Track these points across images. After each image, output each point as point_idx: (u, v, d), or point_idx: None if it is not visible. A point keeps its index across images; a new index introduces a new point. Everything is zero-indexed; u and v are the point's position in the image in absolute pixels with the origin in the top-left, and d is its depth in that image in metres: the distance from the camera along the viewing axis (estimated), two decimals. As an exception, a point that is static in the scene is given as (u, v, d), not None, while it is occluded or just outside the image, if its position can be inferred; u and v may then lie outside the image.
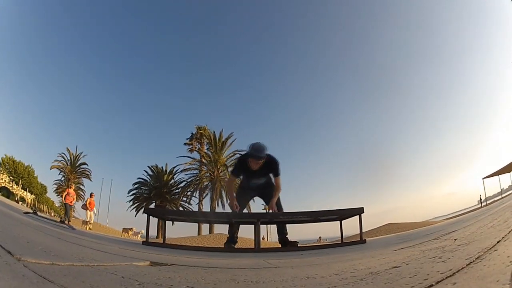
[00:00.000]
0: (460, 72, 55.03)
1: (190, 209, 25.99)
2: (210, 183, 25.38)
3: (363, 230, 3.73)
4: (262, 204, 17.41)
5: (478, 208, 15.31)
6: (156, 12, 50.26)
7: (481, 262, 0.93)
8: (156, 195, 26.79)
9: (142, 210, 26.12)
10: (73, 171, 32.05)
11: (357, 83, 54.05)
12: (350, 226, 4.12)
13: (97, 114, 51.08)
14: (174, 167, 27.92)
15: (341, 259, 1.78)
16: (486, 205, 15.43)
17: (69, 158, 32.36)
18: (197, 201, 25.95)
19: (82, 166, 32.72)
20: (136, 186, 27.69)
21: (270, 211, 3.83)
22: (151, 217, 3.83)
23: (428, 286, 0.77)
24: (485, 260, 0.95)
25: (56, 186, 32.62)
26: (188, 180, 26.16)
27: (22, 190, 25.76)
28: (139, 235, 15.76)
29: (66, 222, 7.13)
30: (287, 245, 3.79)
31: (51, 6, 46.17)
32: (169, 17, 48.59)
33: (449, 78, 51.96)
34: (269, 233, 21.89)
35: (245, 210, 4.24)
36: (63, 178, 31.97)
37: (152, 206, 26.40)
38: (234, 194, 3.86)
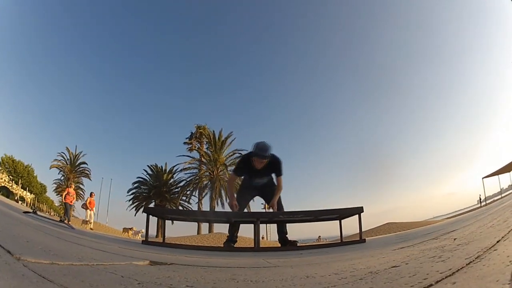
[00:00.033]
0: (460, 72, 55.08)
1: (190, 208, 26.05)
2: (209, 182, 25.39)
3: (363, 230, 3.73)
4: (262, 204, 17.42)
5: (478, 208, 15.34)
6: (156, 12, 50.21)
7: (481, 262, 0.93)
8: (156, 194, 26.80)
9: (141, 209, 26.15)
10: (73, 170, 32.04)
11: (357, 83, 54.06)
12: (350, 225, 4.13)
13: (97, 113, 51.02)
14: (173, 166, 27.99)
15: (341, 259, 1.78)
16: (486, 204, 15.46)
17: (68, 157, 32.39)
18: (197, 200, 26.00)
19: (81, 166, 32.75)
20: (135, 185, 27.74)
21: (271, 210, 3.83)
22: (150, 216, 3.83)
23: (427, 286, 0.77)
24: (484, 260, 0.95)
25: (55, 185, 32.68)
26: (188, 179, 26.21)
27: (22, 190, 25.75)
28: (139, 235, 15.75)
29: (65, 221, 7.13)
30: (286, 244, 3.79)
31: (51, 6, 46.11)
32: (169, 17, 48.56)
33: (449, 78, 52.00)
34: (269, 233, 21.92)
35: (245, 210, 4.24)
36: (62, 178, 31.99)
37: (152, 205, 26.41)
38: (234, 194, 3.86)
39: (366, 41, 53.47)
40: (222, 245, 3.92)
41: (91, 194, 13.32)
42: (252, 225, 3.61)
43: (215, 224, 18.59)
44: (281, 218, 3.87)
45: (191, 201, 26.41)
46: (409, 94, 56.27)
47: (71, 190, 11.63)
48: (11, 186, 24.50)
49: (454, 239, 1.71)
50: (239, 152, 25.85)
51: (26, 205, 22.29)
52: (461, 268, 0.89)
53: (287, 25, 54.90)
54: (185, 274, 1.24)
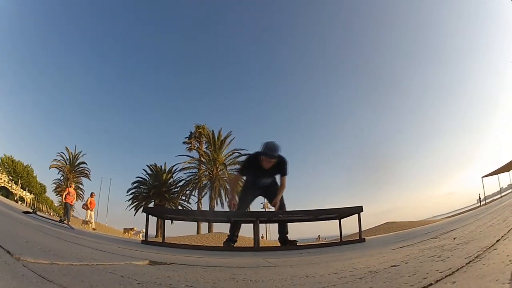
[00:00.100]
0: (460, 72, 55.14)
1: (189, 208, 26.04)
2: (209, 182, 25.37)
3: (362, 229, 3.73)
4: (261, 203, 17.40)
5: (477, 207, 15.35)
6: (156, 12, 50.16)
7: (481, 261, 0.93)
8: (155, 194, 26.77)
9: (141, 209, 26.13)
10: (72, 170, 32.00)
11: (357, 83, 54.13)
12: (349, 225, 4.13)
13: (96, 113, 51.00)
14: (173, 166, 27.96)
15: (340, 258, 1.78)
16: (485, 204, 15.47)
17: (68, 157, 32.34)
18: (196, 200, 25.98)
19: (81, 166, 32.71)
20: (135, 185, 27.71)
21: (273, 208, 3.84)
22: (150, 216, 3.83)
23: (427, 285, 0.77)
24: (484, 259, 0.95)
25: (55, 185, 32.63)
26: (187, 179, 26.17)
27: (21, 190, 25.71)
28: (140, 235, 15.73)
29: (65, 221, 7.11)
30: (286, 244, 3.79)
31: (51, 6, 46.05)
32: (169, 17, 48.54)
33: (449, 78, 52.06)
34: (268, 232, 21.92)
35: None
36: (62, 178, 31.95)
37: (151, 205, 26.39)
38: (235, 194, 3.87)
39: (366, 41, 53.51)
40: (222, 245, 3.92)
41: (91, 195, 13.27)
42: (252, 224, 3.61)
43: (214, 224, 18.60)
44: (281, 218, 3.87)
45: (190, 200, 26.45)
46: (409, 94, 56.44)
47: (72, 190, 11.58)
48: (11, 186, 24.45)
49: (454, 238, 1.71)
50: (239, 151, 25.90)
51: (26, 205, 22.25)
52: (460, 268, 0.89)
53: (287, 25, 54.89)
54: (185, 273, 1.24)
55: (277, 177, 3.88)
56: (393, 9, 55.41)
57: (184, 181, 26.40)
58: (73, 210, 15.54)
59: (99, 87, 48.95)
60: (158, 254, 2.22)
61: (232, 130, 27.35)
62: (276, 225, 4.02)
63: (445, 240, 1.76)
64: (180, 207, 26.02)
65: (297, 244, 3.81)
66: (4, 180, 23.92)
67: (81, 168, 32.69)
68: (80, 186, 31.60)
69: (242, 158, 25.35)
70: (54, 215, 23.22)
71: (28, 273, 0.88)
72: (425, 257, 1.23)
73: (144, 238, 3.63)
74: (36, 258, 1.07)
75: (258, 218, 3.57)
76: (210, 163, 25.74)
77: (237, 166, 25.34)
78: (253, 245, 3.55)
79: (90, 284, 0.86)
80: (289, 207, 3.95)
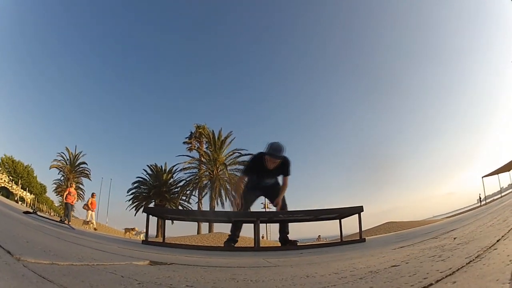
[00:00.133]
0: (460, 72, 55.12)
1: (190, 208, 26.03)
2: (209, 182, 25.36)
3: (363, 229, 3.73)
4: (262, 203, 17.39)
5: (478, 207, 15.34)
6: (156, 12, 50.17)
7: (481, 261, 0.93)
8: (156, 194, 26.78)
9: (141, 209, 26.13)
10: (73, 170, 32.00)
11: (357, 83, 54.12)
12: (350, 225, 4.13)
13: (97, 113, 51.03)
14: (173, 166, 27.95)
15: (341, 258, 1.78)
16: (486, 204, 15.46)
17: (68, 157, 32.34)
18: (197, 200, 25.98)
19: (81, 166, 32.71)
20: (135, 185, 27.70)
21: (274, 208, 3.84)
22: (150, 216, 3.83)
23: (427, 285, 0.77)
24: (484, 259, 0.95)
25: (55, 185, 32.64)
26: (187, 179, 26.16)
27: (22, 190, 25.73)
28: (141, 235, 15.73)
29: (65, 222, 7.11)
30: (286, 244, 3.79)
31: (51, 6, 46.08)
32: (169, 17, 48.56)
33: (449, 78, 52.05)
34: (269, 232, 21.92)
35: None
36: (62, 178, 31.95)
37: (152, 205, 26.39)
38: (240, 194, 3.86)
39: (366, 41, 53.50)
40: (222, 245, 3.92)
41: (92, 195, 13.25)
42: (252, 224, 3.61)
43: (215, 224, 18.60)
44: (281, 218, 3.87)
45: (191, 200, 26.44)
46: (409, 94, 56.43)
47: (72, 190, 11.55)
48: (11, 186, 24.47)
49: (454, 238, 1.71)
50: (239, 151, 25.90)
51: (26, 205, 22.27)
52: (461, 267, 0.89)
53: (287, 25, 54.90)
54: (185, 274, 1.24)
55: (279, 178, 3.89)
56: (393, 9, 55.43)
57: (184, 181, 26.43)
58: (73, 210, 15.54)
59: (99, 87, 49.03)
60: (158, 254, 2.22)
61: (232, 130, 27.36)
62: (276, 225, 4.02)
63: (446, 240, 1.76)
64: (180, 207, 26.03)
65: (298, 244, 3.81)
66: (5, 180, 23.94)
67: (82, 168, 32.72)
68: (81, 186, 31.64)
69: (243, 158, 25.41)
70: (54, 215, 23.22)
71: (28, 273, 0.88)
72: (425, 257, 1.23)
73: (144, 238, 3.64)
74: (36, 258, 1.07)
75: (259, 218, 3.57)
76: (210, 163, 25.74)
77: (238, 166, 25.40)
78: (253, 245, 3.55)
79: (90, 284, 0.86)
80: (289, 207, 3.95)
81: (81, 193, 29.82)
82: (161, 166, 28.33)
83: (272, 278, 1.16)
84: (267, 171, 3.63)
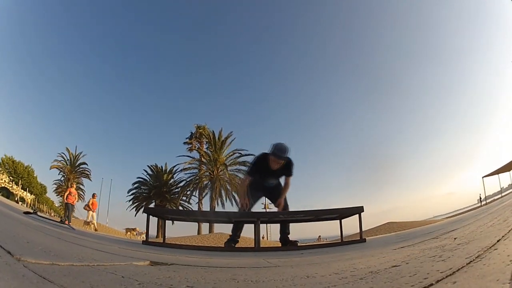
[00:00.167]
0: (460, 72, 55.12)
1: (190, 209, 26.03)
2: (209, 182, 25.36)
3: (363, 229, 3.73)
4: (262, 204, 17.39)
5: (478, 207, 15.33)
6: (156, 12, 50.22)
7: (481, 261, 0.93)
8: (156, 194, 26.78)
9: (141, 209, 26.12)
10: (73, 171, 32.01)
11: (357, 83, 54.14)
12: (350, 225, 4.13)
13: (97, 113, 51.07)
14: (173, 167, 27.96)
15: (341, 258, 1.78)
16: (486, 204, 15.45)
17: (68, 158, 32.35)
18: (197, 201, 25.98)
19: (81, 166, 32.72)
20: (135, 185, 27.71)
21: (274, 209, 3.85)
22: (151, 216, 3.83)
23: (428, 285, 0.77)
24: (485, 259, 0.94)
25: (56, 186, 32.65)
26: (188, 180, 26.17)
27: (22, 190, 25.75)
28: (143, 235, 15.73)
29: (66, 222, 7.11)
30: (287, 244, 3.79)
31: (51, 6, 46.15)
32: (169, 17, 48.59)
33: (449, 78, 52.05)
34: (269, 232, 21.91)
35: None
36: (62, 178, 31.96)
37: (152, 205, 26.39)
38: (245, 194, 3.86)
39: (366, 41, 53.52)
40: (223, 245, 3.92)
41: (93, 195, 13.23)
42: (252, 225, 3.61)
43: (215, 224, 18.60)
44: (281, 218, 3.87)
45: (191, 201, 26.44)
46: (408, 94, 56.43)
47: (73, 190, 11.50)
48: (12, 187, 24.49)
49: (455, 238, 1.71)
50: (239, 152, 25.90)
51: (26, 205, 22.29)
52: (461, 268, 0.89)
53: (287, 25, 54.92)
54: (186, 274, 1.24)
55: (280, 179, 3.90)
56: (393, 9, 55.44)
57: (184, 181, 26.45)
58: (73, 211, 15.53)
59: (99, 87, 49.08)
60: (159, 254, 2.22)
61: (233, 131, 27.37)
62: (277, 225, 4.02)
63: (446, 240, 1.76)
64: (180, 208, 26.03)
65: (298, 244, 3.81)
66: (5, 181, 23.97)
67: (82, 169, 32.74)
68: (81, 186, 31.67)
69: (243, 159, 25.42)
70: (54, 215, 23.23)
71: (28, 273, 0.88)
72: (426, 257, 1.23)
73: (145, 239, 3.64)
74: (36, 258, 1.07)
75: (259, 219, 3.57)
76: (210, 164, 25.74)
77: (238, 167, 25.42)
78: (254, 246, 3.55)
79: (91, 285, 0.86)
80: (289, 208, 3.95)
81: (81, 193, 29.88)
82: (162, 167, 28.38)
83: (273, 278, 1.16)
84: (271, 172, 3.64)
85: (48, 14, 44.74)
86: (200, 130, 27.61)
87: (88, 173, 32.67)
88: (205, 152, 26.92)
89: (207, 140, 27.25)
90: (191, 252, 3.02)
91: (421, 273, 0.92)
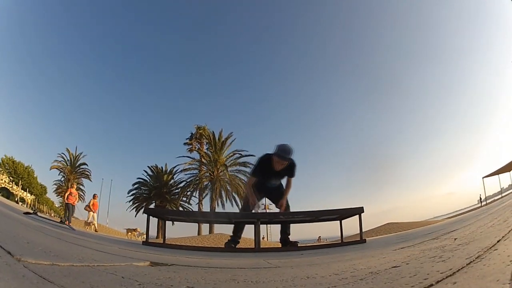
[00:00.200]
0: (460, 72, 55.13)
1: (190, 209, 26.02)
2: (209, 183, 25.36)
3: (363, 230, 3.73)
4: (262, 204, 17.39)
5: (478, 208, 15.32)
6: (156, 12, 50.29)
7: (481, 262, 0.93)
8: (156, 195, 26.78)
9: (142, 210, 26.13)
10: (73, 171, 32.03)
11: (356, 83, 54.15)
12: (350, 226, 4.13)
13: (97, 113, 51.10)
14: (173, 167, 27.97)
15: (341, 259, 1.77)
16: (486, 204, 15.44)
17: (68, 158, 32.37)
18: (197, 201, 25.97)
19: (82, 167, 32.74)
20: (136, 186, 27.74)
21: (274, 209, 3.85)
22: (151, 217, 3.83)
23: (428, 286, 0.77)
24: (485, 260, 0.94)
25: (56, 186, 32.66)
26: (188, 180, 26.17)
27: (22, 191, 25.75)
28: (143, 236, 15.72)
29: (66, 222, 7.11)
30: (287, 245, 3.79)
31: (51, 6, 46.21)
32: (169, 17, 48.66)
33: (449, 78, 52.06)
34: (269, 233, 21.90)
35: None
36: (63, 179, 31.97)
37: (152, 206, 26.39)
38: (251, 195, 3.86)
39: (366, 41, 53.56)
40: (223, 246, 3.92)
41: (94, 196, 13.22)
42: (253, 225, 3.61)
43: (215, 225, 18.60)
44: (282, 219, 3.87)
45: (191, 201, 26.44)
46: (408, 94, 56.42)
47: (74, 191, 11.46)
48: (12, 187, 24.50)
49: (455, 239, 1.71)
50: (239, 152, 25.89)
51: (27, 206, 22.28)
52: (461, 268, 0.89)
53: (287, 25, 54.98)
54: (186, 275, 1.24)
55: (282, 181, 3.91)
56: (393, 9, 55.44)
57: (185, 182, 26.45)
58: (74, 211, 15.52)
59: (99, 87, 49.08)
60: (159, 255, 2.22)
61: (233, 131, 27.36)
62: (277, 226, 4.02)
63: (446, 240, 1.76)
64: (181, 208, 26.03)
65: (298, 245, 3.81)
66: (5, 181, 23.97)
67: (82, 169, 32.75)
68: (81, 187, 31.68)
69: (243, 159, 25.43)
70: (55, 216, 23.24)
71: (29, 274, 0.88)
72: (426, 258, 1.23)
73: (145, 239, 3.64)
74: (37, 259, 1.07)
75: (259, 219, 3.57)
76: (211, 164, 25.74)
77: (238, 167, 25.41)
78: (254, 246, 3.55)
79: (91, 285, 0.86)
80: (290, 208, 3.95)
81: (82, 194, 29.88)
82: (162, 167, 28.41)
83: (273, 279, 1.16)
84: (274, 172, 3.64)
85: (48, 14, 44.77)
86: (200, 131, 27.61)
87: (88, 173, 32.74)
88: (205, 152, 26.92)
89: (207, 141, 27.27)
90: (191, 252, 3.02)
91: (421, 273, 0.92)
